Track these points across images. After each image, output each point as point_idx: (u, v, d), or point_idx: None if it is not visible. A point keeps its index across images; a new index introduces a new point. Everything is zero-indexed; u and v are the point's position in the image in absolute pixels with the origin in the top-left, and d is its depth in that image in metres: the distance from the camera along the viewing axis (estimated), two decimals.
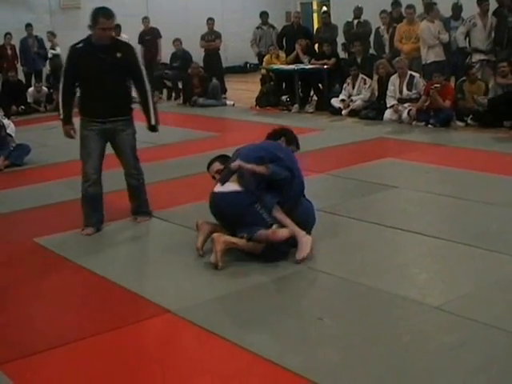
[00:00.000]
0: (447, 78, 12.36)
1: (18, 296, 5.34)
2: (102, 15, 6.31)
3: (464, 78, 11.72)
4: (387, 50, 14.03)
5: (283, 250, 5.58)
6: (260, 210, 5.59)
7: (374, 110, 12.44)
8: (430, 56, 12.61)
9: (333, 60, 14.26)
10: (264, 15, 16.78)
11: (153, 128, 6.76)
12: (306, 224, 5.81)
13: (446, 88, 11.43)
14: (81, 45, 6.43)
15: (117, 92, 6.55)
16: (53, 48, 17.69)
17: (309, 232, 5.77)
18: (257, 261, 5.57)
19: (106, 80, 6.42)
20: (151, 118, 6.68)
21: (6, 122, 10.67)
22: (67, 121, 6.64)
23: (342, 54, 15.85)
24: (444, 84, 11.41)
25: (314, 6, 24.02)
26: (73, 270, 5.78)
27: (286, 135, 6.23)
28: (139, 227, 6.79)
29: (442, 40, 12.57)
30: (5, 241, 6.70)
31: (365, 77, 12.97)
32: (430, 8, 12.95)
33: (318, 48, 15.33)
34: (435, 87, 11.22)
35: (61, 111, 6.62)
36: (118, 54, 6.49)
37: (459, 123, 11.24)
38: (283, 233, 5.53)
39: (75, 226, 6.79)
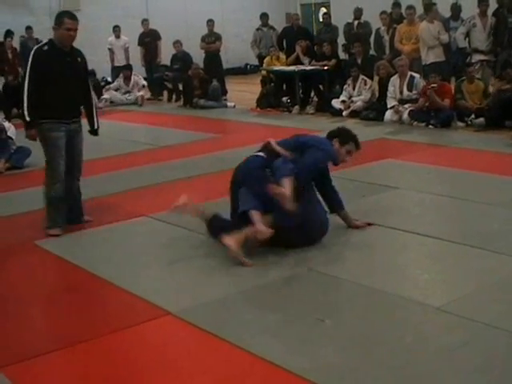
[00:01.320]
0: (447, 78, 12.36)
1: (18, 298, 5.34)
2: (67, 16, 6.59)
3: (463, 77, 11.72)
4: (387, 50, 14.03)
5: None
6: (269, 174, 5.76)
7: (374, 110, 12.43)
8: (430, 57, 12.60)
9: (333, 61, 14.26)
10: (264, 16, 16.79)
11: (95, 132, 7.09)
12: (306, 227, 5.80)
13: (443, 87, 11.42)
14: (46, 47, 6.57)
15: (78, 94, 6.81)
16: None
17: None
18: (257, 262, 5.57)
19: (71, 83, 6.66)
20: (95, 122, 7.01)
21: (6, 124, 10.68)
22: (34, 124, 6.53)
23: (343, 55, 15.85)
24: (441, 84, 11.39)
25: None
26: (74, 273, 5.78)
27: (339, 136, 6.23)
28: (138, 229, 6.78)
29: (442, 40, 12.57)
30: (6, 243, 6.68)
31: (365, 78, 12.96)
32: (429, 8, 12.94)
33: (318, 49, 15.31)
34: (432, 87, 11.22)
35: (26, 113, 6.45)
36: (79, 59, 6.81)
37: (460, 124, 11.24)
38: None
39: (75, 229, 6.80)
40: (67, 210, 6.92)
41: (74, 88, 6.71)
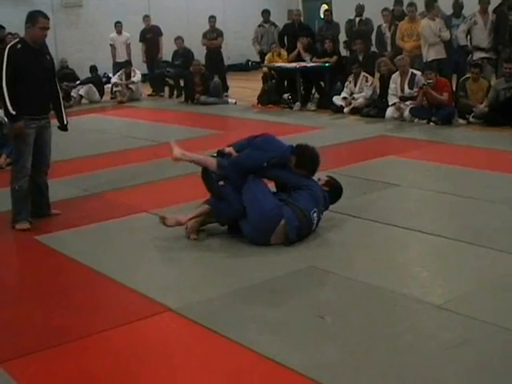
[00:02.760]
0: (449, 75, 12.35)
1: (19, 294, 5.35)
2: (41, 15, 6.75)
3: (468, 75, 11.71)
4: (389, 47, 14.02)
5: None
6: None
7: (375, 107, 12.44)
8: (431, 54, 12.57)
9: (334, 58, 14.24)
10: (266, 13, 16.80)
11: (65, 127, 7.20)
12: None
13: (440, 82, 11.40)
14: (19, 46, 6.68)
15: (48, 91, 6.95)
16: None
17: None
18: (258, 259, 5.58)
19: (42, 80, 6.82)
20: (64, 118, 7.15)
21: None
22: (19, 117, 6.62)
23: (344, 52, 15.83)
24: (436, 79, 11.37)
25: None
26: (74, 268, 5.79)
27: (300, 156, 6.18)
28: (140, 225, 6.78)
29: (443, 38, 12.54)
30: (6, 239, 6.69)
31: (367, 75, 12.95)
32: (430, 6, 12.92)
33: (319, 46, 15.30)
34: (428, 83, 11.22)
35: (10, 108, 6.57)
36: (48, 57, 7.03)
37: (461, 121, 11.24)
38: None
39: (76, 224, 6.81)
40: (36, 204, 7.04)
41: (45, 85, 6.87)
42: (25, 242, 6.56)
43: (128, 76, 16.93)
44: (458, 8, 13.43)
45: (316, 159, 6.28)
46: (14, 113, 6.57)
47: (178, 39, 17.18)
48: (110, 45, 17.94)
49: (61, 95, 7.24)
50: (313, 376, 3.79)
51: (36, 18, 6.66)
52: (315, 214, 5.98)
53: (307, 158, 6.24)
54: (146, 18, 18.10)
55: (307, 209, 5.92)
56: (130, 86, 16.85)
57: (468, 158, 8.82)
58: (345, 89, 13.24)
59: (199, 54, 16.94)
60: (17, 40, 6.88)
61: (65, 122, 7.16)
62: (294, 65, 14.54)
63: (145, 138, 11.85)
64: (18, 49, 6.64)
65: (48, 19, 6.78)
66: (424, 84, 11.29)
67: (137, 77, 16.98)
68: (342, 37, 16.10)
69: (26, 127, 6.67)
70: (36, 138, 6.80)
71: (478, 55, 12.38)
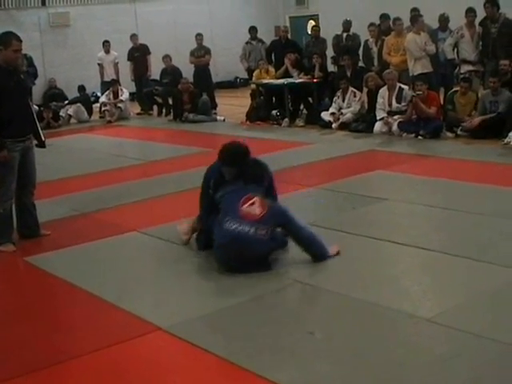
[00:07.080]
0: (436, 89, 12.41)
1: (9, 316, 5.31)
2: (14, 38, 6.70)
3: (456, 89, 11.76)
4: (376, 62, 14.06)
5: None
6: None
7: (364, 122, 12.45)
8: (417, 68, 12.58)
9: (318, 74, 14.25)
10: (253, 30, 16.87)
11: (43, 144, 7.20)
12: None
13: (429, 95, 11.47)
14: None
15: (29, 110, 6.99)
16: None
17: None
18: (246, 276, 5.57)
19: (22, 100, 6.84)
20: (41, 136, 7.17)
21: None
22: (4, 145, 6.60)
23: (332, 68, 15.88)
24: (427, 92, 11.43)
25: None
26: (64, 289, 5.77)
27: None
28: (129, 244, 6.77)
29: (428, 52, 12.56)
30: None
31: (354, 90, 12.98)
32: (415, 20, 12.99)
33: (308, 62, 15.34)
34: (417, 94, 11.28)
35: None
36: (22, 76, 7.07)
37: (449, 134, 11.28)
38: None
39: (65, 244, 6.78)
40: (25, 225, 7.04)
41: (24, 105, 6.88)
42: (14, 263, 6.54)
43: (116, 95, 16.93)
44: (444, 22, 13.50)
45: (227, 146, 6.64)
46: None
47: (166, 57, 17.20)
48: (98, 64, 17.95)
49: (35, 113, 7.25)
50: None
51: (10, 41, 6.61)
52: (228, 222, 5.70)
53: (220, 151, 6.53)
54: (134, 36, 18.12)
55: (218, 232, 5.81)
56: (119, 105, 16.85)
57: (456, 171, 8.84)
58: (333, 104, 13.25)
59: (187, 71, 16.96)
60: None
61: (43, 139, 7.16)
62: (281, 81, 14.58)
63: (133, 156, 11.84)
64: None
65: (21, 41, 6.74)
66: (413, 95, 11.34)
67: (124, 95, 16.98)
68: (330, 52, 16.15)
69: (11, 151, 6.64)
70: (20, 160, 6.78)
71: (465, 68, 12.42)
